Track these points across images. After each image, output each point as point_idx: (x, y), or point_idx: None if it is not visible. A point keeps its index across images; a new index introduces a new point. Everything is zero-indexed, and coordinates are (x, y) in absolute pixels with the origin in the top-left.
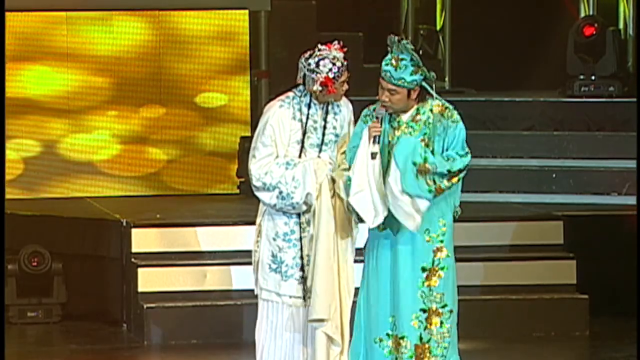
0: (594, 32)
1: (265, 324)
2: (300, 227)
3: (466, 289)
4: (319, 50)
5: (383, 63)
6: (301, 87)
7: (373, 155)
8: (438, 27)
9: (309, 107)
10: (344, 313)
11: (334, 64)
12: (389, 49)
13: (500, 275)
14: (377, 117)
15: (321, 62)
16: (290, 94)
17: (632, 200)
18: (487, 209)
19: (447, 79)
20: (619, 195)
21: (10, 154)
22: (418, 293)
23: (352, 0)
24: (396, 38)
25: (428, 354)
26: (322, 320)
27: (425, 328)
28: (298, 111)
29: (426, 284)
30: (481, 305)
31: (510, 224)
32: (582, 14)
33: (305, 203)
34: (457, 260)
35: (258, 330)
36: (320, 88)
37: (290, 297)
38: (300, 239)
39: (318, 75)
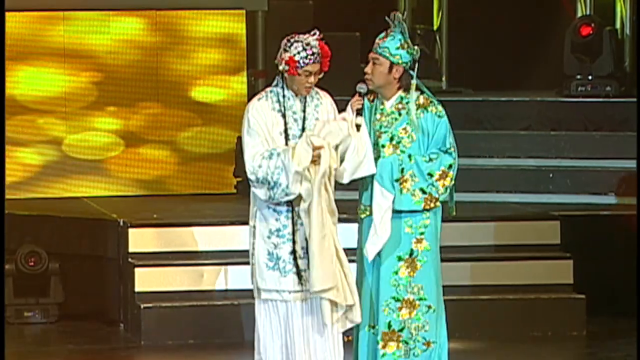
0: (591, 32)
1: (264, 324)
2: (293, 222)
3: (463, 288)
4: (298, 35)
5: (377, 37)
6: (277, 80)
7: (358, 127)
8: (435, 27)
9: (285, 97)
10: (348, 274)
11: (304, 49)
12: (389, 26)
13: (497, 275)
14: (358, 93)
15: (294, 44)
16: (268, 88)
17: (629, 200)
18: (484, 209)
19: (444, 78)
20: (616, 195)
21: (7, 154)
22: (391, 281)
23: (349, 0)
24: (394, 14)
25: (398, 343)
26: (324, 291)
27: (397, 317)
28: (276, 102)
29: (401, 273)
30: (478, 305)
31: (507, 223)
32: (579, 14)
33: (294, 187)
34: (455, 260)
35: (257, 330)
36: (284, 67)
37: (290, 292)
38: (294, 232)
39: (286, 53)
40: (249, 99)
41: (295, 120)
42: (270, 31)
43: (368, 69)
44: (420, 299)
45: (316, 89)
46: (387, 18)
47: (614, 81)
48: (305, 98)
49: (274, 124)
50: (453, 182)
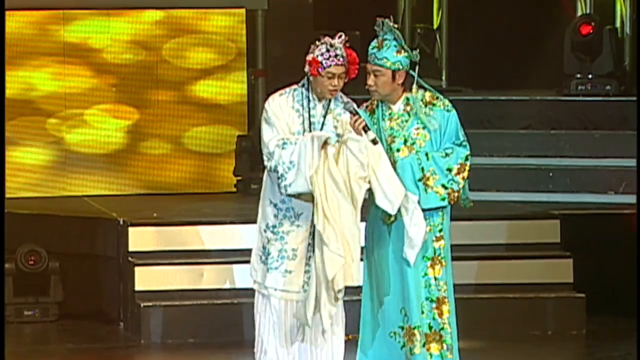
0: (591, 31)
1: (261, 317)
2: (290, 222)
3: (463, 287)
4: (327, 38)
5: (369, 48)
6: (304, 81)
7: (374, 142)
8: (435, 26)
9: (309, 99)
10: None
11: (327, 50)
12: (377, 33)
13: (497, 274)
14: (351, 112)
15: (319, 46)
16: (294, 86)
17: (628, 199)
18: (484, 208)
19: (444, 77)
20: (616, 194)
21: (7, 152)
22: (422, 282)
23: None
24: (382, 21)
25: (442, 343)
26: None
27: (434, 317)
28: (297, 102)
29: (430, 273)
30: (478, 304)
31: (507, 222)
32: (579, 13)
33: (296, 186)
34: (455, 259)
35: (256, 322)
36: (307, 68)
37: (276, 289)
38: (288, 232)
39: (310, 55)
40: (249, 98)
41: (313, 123)
42: (270, 30)
43: (371, 82)
44: (448, 297)
45: (344, 97)
46: (376, 27)
47: (614, 80)
48: (328, 104)
49: (291, 122)
50: (469, 173)
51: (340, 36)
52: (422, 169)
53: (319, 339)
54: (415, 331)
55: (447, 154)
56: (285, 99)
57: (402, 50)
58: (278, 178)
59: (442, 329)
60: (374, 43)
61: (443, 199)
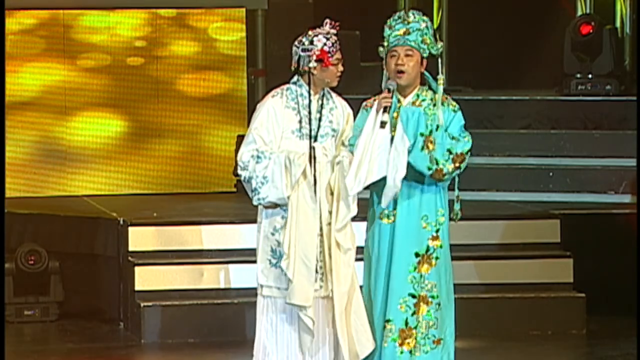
0: (591, 31)
1: (266, 321)
2: None
3: (463, 287)
4: (312, 31)
5: (392, 36)
6: (296, 78)
7: (382, 124)
8: (435, 26)
9: (302, 95)
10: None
11: (327, 39)
12: (394, 22)
13: (497, 274)
14: (387, 89)
15: (315, 38)
16: (285, 85)
17: (628, 199)
18: (484, 207)
19: (444, 77)
20: (616, 193)
21: (7, 152)
22: (408, 277)
23: None
24: (403, 12)
25: (414, 341)
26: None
27: (413, 314)
28: (292, 100)
29: (418, 269)
30: (478, 303)
31: (507, 222)
32: (579, 13)
33: (278, 199)
34: (454, 258)
35: (259, 328)
36: (315, 64)
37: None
38: None
39: (313, 50)
40: (249, 98)
41: (311, 120)
42: (270, 29)
43: (401, 61)
44: (433, 297)
45: (332, 92)
46: (398, 15)
47: (614, 80)
48: (322, 98)
49: (288, 121)
50: (460, 169)
51: (327, 24)
52: (430, 131)
53: (320, 351)
54: (387, 324)
55: (454, 138)
56: (278, 100)
57: (428, 40)
58: (252, 191)
59: (417, 327)
60: (397, 28)
61: (429, 169)
